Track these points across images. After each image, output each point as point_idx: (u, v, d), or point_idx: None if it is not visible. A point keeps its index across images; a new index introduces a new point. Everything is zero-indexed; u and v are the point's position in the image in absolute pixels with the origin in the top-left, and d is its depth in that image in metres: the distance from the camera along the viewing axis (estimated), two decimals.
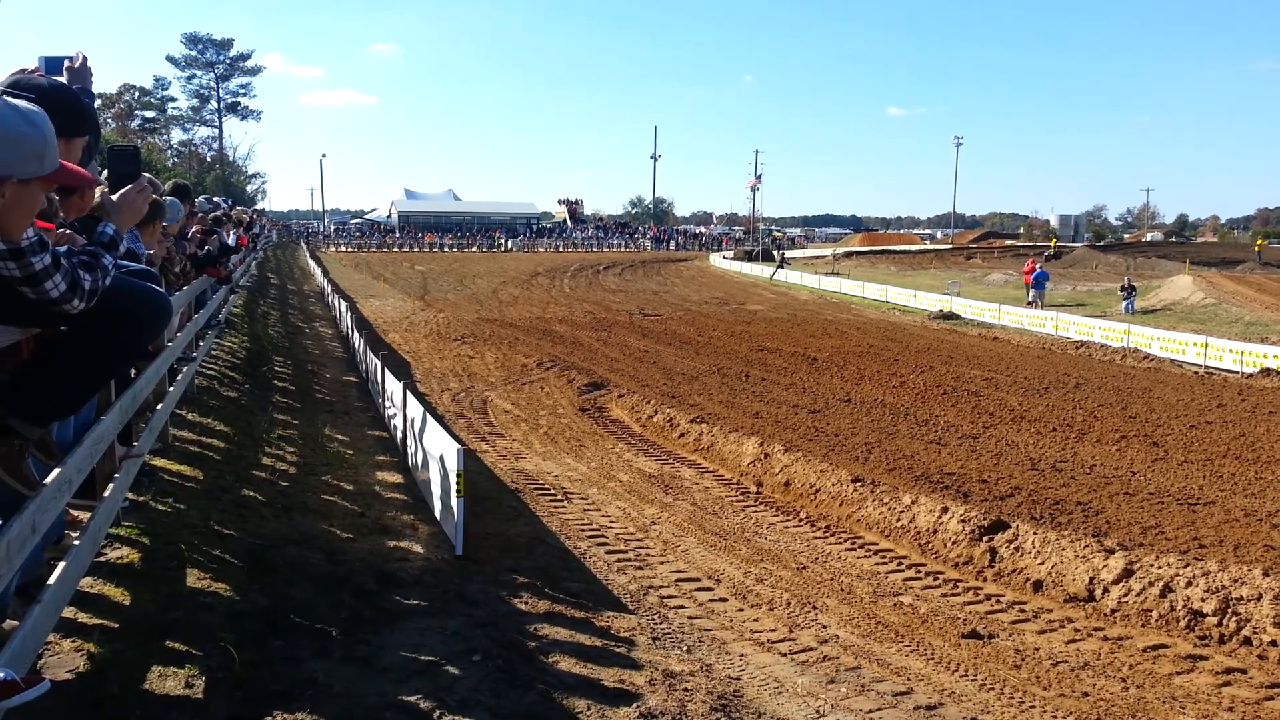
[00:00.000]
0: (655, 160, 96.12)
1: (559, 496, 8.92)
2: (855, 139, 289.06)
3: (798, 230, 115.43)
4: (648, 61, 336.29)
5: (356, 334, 16.36)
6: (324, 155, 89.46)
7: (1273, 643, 5.69)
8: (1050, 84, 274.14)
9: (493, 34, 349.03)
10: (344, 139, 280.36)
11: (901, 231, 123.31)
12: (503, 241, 74.34)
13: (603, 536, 7.71)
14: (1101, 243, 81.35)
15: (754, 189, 73.49)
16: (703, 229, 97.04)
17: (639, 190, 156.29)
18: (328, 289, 29.80)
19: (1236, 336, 21.69)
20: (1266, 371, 17.32)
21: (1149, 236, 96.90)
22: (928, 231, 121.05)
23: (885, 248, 74.19)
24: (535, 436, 11.68)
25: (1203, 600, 6.09)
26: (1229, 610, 5.97)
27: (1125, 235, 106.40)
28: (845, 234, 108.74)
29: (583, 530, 7.85)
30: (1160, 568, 6.48)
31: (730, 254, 61.66)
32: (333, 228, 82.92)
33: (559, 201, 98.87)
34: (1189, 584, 6.24)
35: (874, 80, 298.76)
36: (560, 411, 13.22)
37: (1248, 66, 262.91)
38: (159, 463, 6.11)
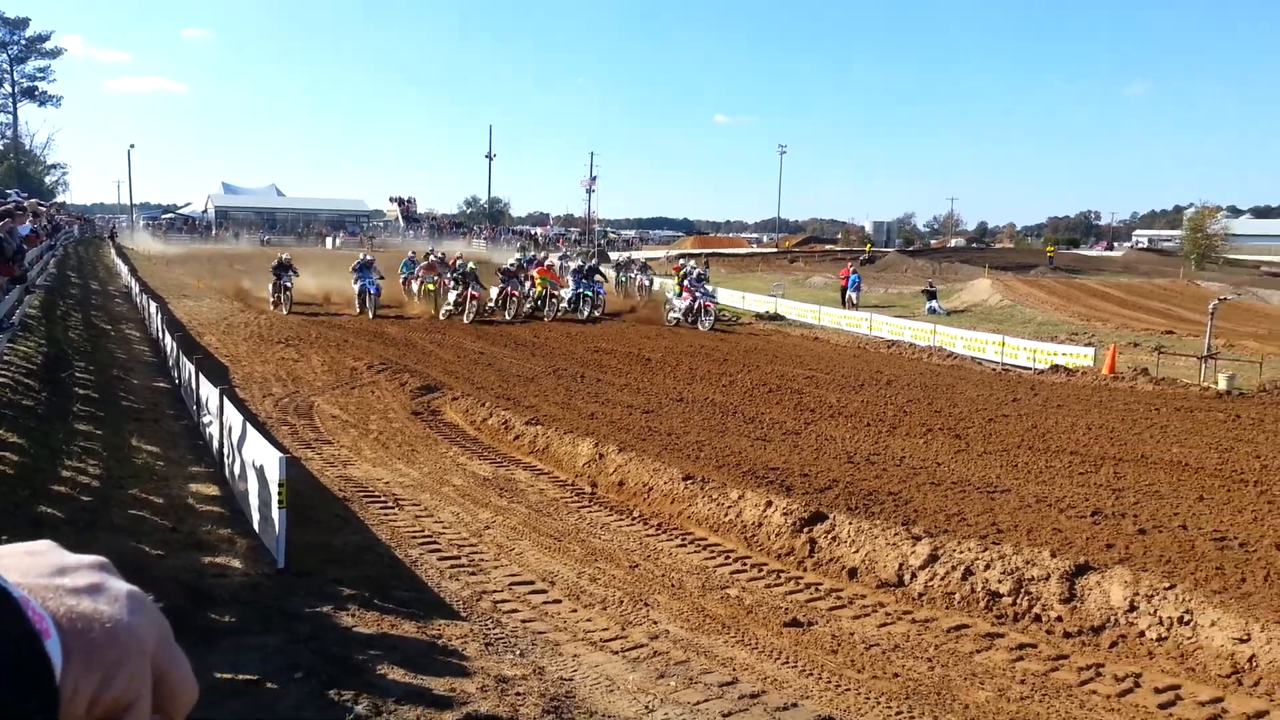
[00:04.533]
0: (490, 159, 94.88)
1: (389, 503, 8.71)
2: (686, 144, 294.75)
3: (632, 232, 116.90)
4: (482, 60, 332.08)
5: (168, 336, 15.40)
6: (132, 146, 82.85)
7: (1058, 618, 6.26)
8: (869, 98, 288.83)
9: (316, 24, 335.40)
10: (154, 129, 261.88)
11: (731, 235, 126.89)
12: (332, 241, 69.24)
13: (435, 543, 7.59)
14: (911, 248, 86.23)
15: (589, 190, 73.99)
16: (539, 230, 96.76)
17: (474, 190, 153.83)
18: (136, 288, 27.86)
19: (1030, 336, 23.55)
20: (1055, 368, 18.93)
21: (953, 242, 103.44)
22: (755, 235, 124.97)
23: (716, 250, 76.17)
24: (365, 442, 11.35)
25: (999, 581, 6.61)
26: (1022, 590, 6.51)
27: (932, 241, 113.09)
28: (678, 236, 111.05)
29: (414, 537, 7.71)
30: (962, 552, 6.98)
31: None
32: (141, 222, 77.50)
33: (391, 200, 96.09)
34: (987, 567, 6.76)
35: (702, 87, 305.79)
36: (392, 416, 12.90)
37: (1040, 81, 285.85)
38: None
